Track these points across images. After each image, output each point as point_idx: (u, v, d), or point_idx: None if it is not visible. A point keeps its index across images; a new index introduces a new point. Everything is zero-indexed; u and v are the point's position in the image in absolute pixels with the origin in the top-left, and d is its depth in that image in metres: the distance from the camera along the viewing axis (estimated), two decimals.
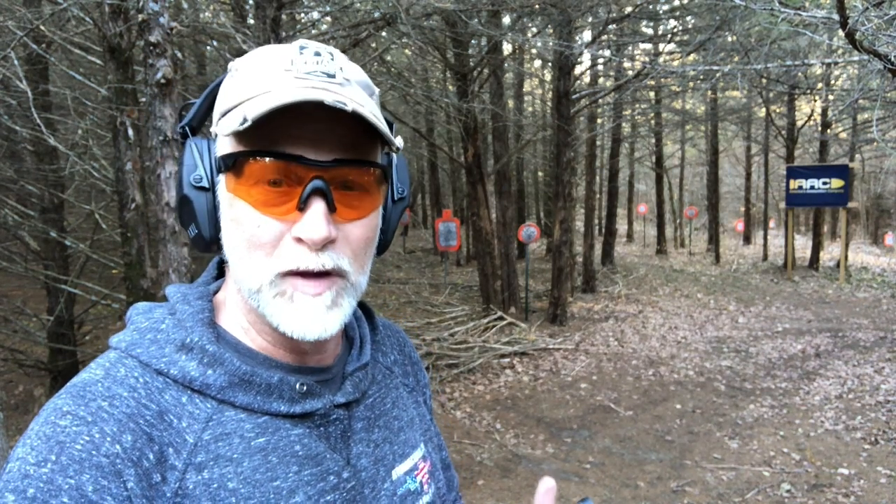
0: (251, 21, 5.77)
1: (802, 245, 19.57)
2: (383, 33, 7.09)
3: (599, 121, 14.19)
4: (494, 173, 10.03)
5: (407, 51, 10.65)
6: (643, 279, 14.14)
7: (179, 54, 3.30)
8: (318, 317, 0.58)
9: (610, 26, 10.21)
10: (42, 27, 4.53)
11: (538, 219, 19.73)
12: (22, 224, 5.76)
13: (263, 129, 0.55)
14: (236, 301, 0.64)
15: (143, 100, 4.01)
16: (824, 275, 15.22)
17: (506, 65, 10.79)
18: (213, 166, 0.61)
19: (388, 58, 9.11)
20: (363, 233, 0.61)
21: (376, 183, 0.62)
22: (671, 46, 11.15)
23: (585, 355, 7.92)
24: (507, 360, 7.62)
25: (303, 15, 7.34)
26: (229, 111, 0.59)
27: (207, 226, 0.61)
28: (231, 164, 0.57)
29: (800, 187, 14.47)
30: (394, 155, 0.69)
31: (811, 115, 16.55)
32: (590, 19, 10.36)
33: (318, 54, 0.59)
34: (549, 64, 13.11)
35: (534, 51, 12.17)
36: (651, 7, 10.22)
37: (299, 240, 0.57)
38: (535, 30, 10.78)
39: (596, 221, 17.87)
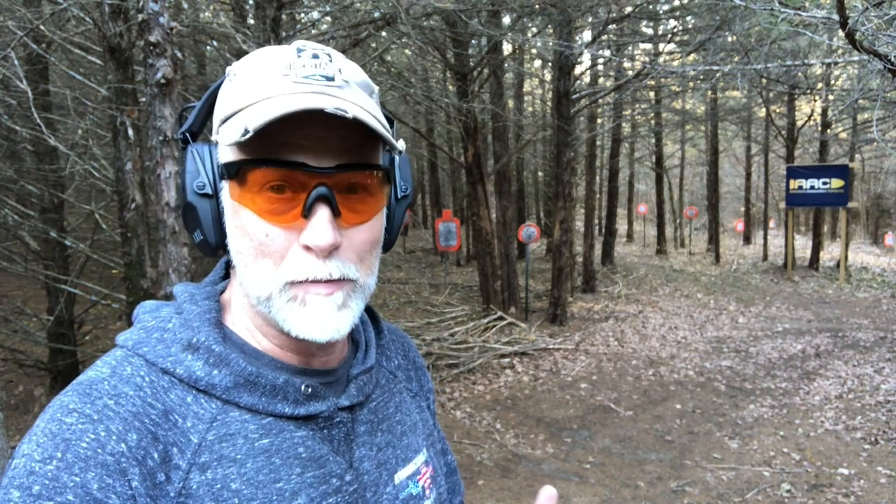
0: (251, 21, 5.77)
1: (802, 245, 19.57)
2: (383, 33, 7.09)
3: (599, 121, 14.18)
4: (494, 173, 10.02)
5: (407, 51, 10.66)
6: (643, 279, 14.14)
7: (179, 54, 3.30)
8: (330, 318, 0.59)
9: (610, 26, 10.21)
10: (42, 27, 4.53)
11: (538, 219, 19.72)
12: (22, 224, 5.75)
13: (264, 138, 0.55)
14: (242, 303, 0.64)
15: (143, 100, 4.01)
16: (824, 275, 15.22)
17: (506, 65, 10.79)
18: (216, 173, 0.61)
19: (388, 58, 9.11)
20: (368, 236, 0.61)
21: (379, 185, 0.62)
22: (671, 46, 11.14)
23: (585, 355, 7.92)
24: (507, 360, 7.62)
25: (303, 15, 7.35)
26: (229, 118, 0.59)
27: (213, 232, 0.62)
28: (234, 173, 0.58)
29: (800, 187, 14.47)
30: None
31: (811, 115, 16.54)
32: (590, 19, 10.35)
33: (316, 56, 0.59)
34: (549, 64, 13.10)
35: (534, 51, 12.17)
36: (651, 7, 10.21)
37: (307, 248, 0.57)
38: (535, 30, 10.78)
39: (596, 221, 17.86)
